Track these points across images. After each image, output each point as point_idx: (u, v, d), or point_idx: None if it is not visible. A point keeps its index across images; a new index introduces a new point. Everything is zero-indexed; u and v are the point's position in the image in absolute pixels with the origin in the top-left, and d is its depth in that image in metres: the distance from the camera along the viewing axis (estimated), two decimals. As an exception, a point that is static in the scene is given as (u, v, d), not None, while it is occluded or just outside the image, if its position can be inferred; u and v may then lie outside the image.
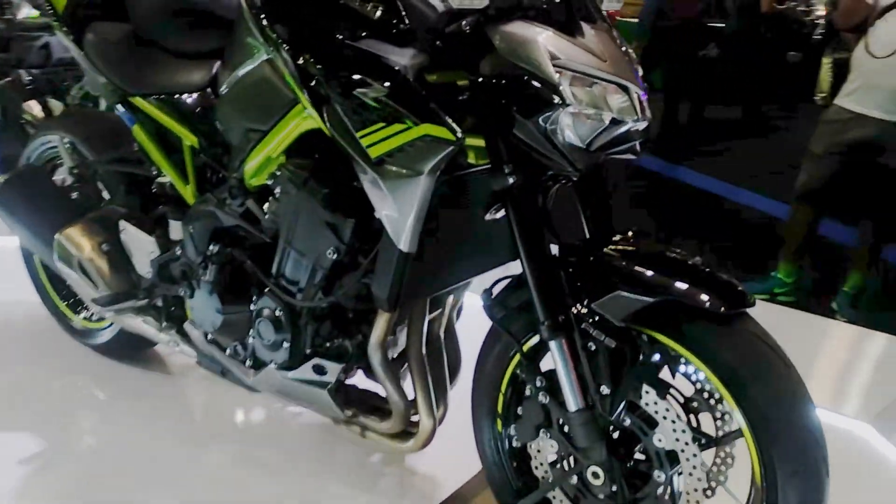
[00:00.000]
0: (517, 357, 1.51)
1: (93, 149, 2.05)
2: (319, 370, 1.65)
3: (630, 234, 1.45)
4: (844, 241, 3.86)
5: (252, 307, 1.70)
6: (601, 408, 1.36)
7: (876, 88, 3.11)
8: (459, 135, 1.30)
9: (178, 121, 1.87)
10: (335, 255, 1.52)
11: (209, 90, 1.82)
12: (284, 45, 1.46)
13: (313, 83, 1.42)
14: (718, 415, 1.36)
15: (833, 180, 3.28)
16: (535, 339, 1.47)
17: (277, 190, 1.60)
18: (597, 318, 1.34)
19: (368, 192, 1.41)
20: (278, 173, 1.58)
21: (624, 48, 1.38)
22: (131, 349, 2.29)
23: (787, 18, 7.11)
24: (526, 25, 1.31)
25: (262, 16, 1.52)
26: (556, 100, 1.27)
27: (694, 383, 1.36)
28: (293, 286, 1.62)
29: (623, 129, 1.30)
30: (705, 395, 1.36)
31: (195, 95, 1.85)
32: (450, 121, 1.31)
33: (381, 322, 1.58)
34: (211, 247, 1.76)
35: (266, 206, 1.63)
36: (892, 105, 3.09)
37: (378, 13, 1.44)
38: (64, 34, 1.99)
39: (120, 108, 1.98)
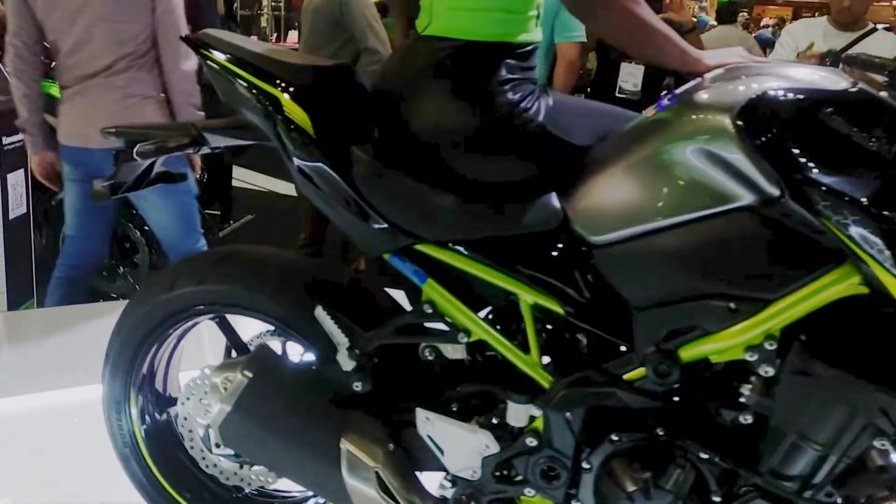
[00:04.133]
0: None
1: (361, 318, 1.49)
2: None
3: None
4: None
5: None
6: None
7: None
8: None
9: (510, 274, 1.44)
10: (885, 444, 1.26)
11: (559, 234, 1.43)
12: (846, 201, 1.18)
13: None
14: None
15: None
16: None
17: (764, 368, 1.28)
18: None
19: None
20: (769, 346, 1.27)
21: None
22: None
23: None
24: None
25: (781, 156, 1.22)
26: None
27: None
28: (794, 482, 1.31)
29: None
30: None
31: (524, 240, 1.45)
32: None
33: None
34: (636, 438, 1.37)
35: (748, 387, 1.30)
36: None
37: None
38: (326, 163, 1.44)
39: (396, 259, 1.49)
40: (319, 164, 1.43)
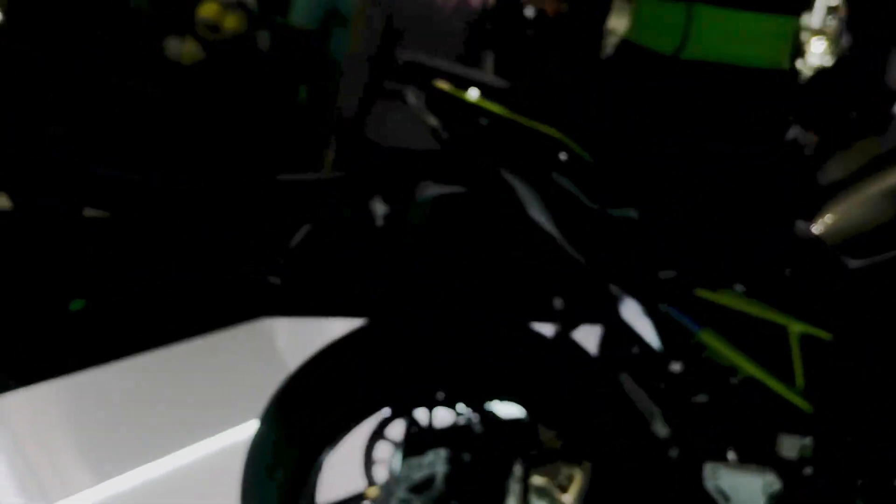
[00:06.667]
0: None
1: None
2: None
3: None
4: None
5: None
6: None
7: None
8: None
9: (778, 307, 1.40)
10: None
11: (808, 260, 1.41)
12: None
13: None
14: None
15: None
16: None
17: None
18: None
19: None
20: None
21: None
22: None
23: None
24: None
25: None
26: None
27: None
28: None
29: None
30: None
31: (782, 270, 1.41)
32: None
33: None
34: None
35: None
36: None
37: None
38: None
39: (671, 308, 1.35)
40: (630, 212, 1.25)
